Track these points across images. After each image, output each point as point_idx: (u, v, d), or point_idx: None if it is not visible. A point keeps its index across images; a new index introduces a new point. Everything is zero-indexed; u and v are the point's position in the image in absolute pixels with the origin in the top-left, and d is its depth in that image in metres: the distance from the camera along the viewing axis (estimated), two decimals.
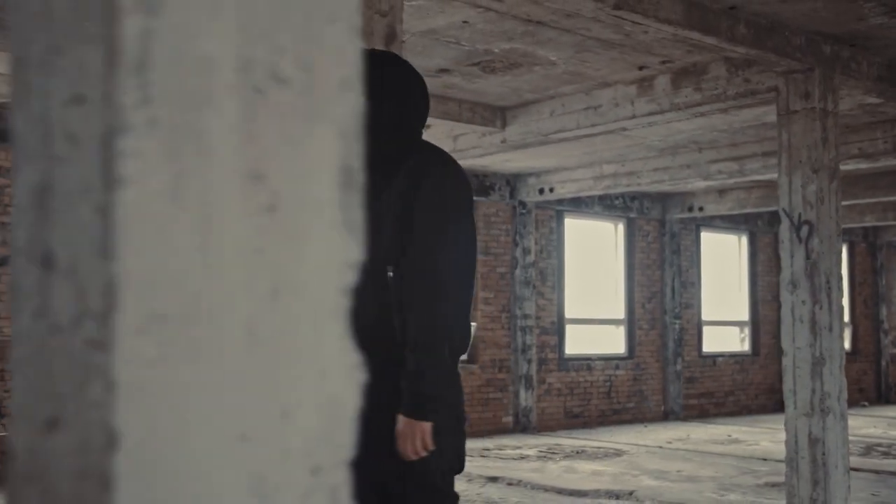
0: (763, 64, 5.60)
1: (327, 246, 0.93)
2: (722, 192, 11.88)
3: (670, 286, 12.69)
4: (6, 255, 7.38)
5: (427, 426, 2.35)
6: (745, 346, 14.08)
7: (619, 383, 12.09)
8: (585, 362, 11.73)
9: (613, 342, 12.33)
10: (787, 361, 5.49)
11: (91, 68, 0.85)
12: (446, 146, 7.74)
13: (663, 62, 6.10)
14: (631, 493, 6.65)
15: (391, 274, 2.42)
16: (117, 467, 0.80)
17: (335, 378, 0.93)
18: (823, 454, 5.32)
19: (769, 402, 14.01)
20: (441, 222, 2.42)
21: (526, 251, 10.96)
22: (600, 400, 11.83)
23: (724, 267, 13.88)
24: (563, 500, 6.54)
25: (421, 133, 2.65)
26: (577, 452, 8.92)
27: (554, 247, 11.50)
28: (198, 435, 0.84)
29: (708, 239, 13.53)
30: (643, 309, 12.51)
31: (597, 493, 6.70)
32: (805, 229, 5.47)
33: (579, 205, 11.63)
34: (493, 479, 7.19)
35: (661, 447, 9.42)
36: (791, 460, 5.45)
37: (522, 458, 8.47)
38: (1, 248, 7.35)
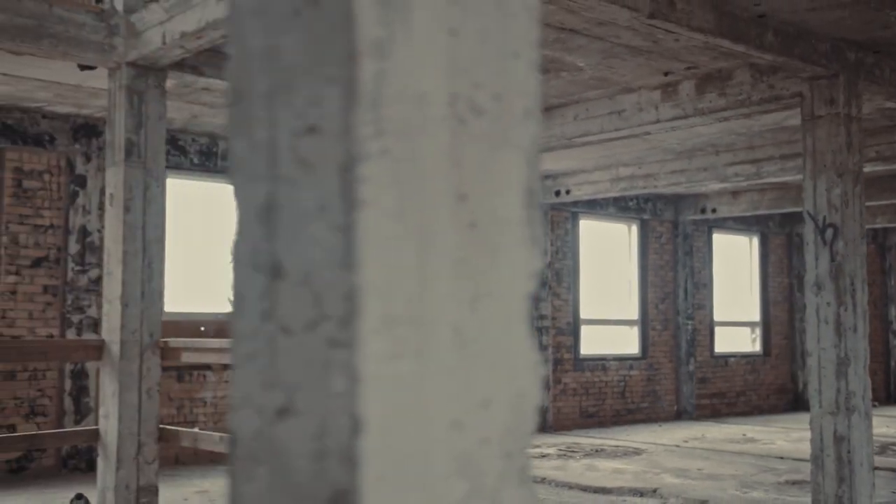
0: (788, 70, 5.72)
1: (515, 258, 1.06)
2: (735, 193, 11.99)
3: (683, 287, 12.81)
4: (38, 258, 7.50)
5: None
6: (757, 347, 14.19)
7: (633, 383, 12.20)
8: (600, 362, 11.84)
9: (627, 342, 12.44)
10: (812, 361, 5.61)
11: (327, 104, 0.96)
12: None
13: (688, 68, 6.21)
14: (655, 491, 6.77)
15: None
16: (362, 449, 0.92)
17: (522, 375, 1.06)
18: (849, 452, 5.43)
19: (780, 402, 14.12)
20: None
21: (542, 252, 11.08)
22: (615, 400, 11.94)
23: (735, 268, 13.99)
24: (588, 497, 6.66)
25: None
26: (597, 451, 9.04)
27: (569, 248, 11.62)
28: (422, 421, 0.96)
29: (719, 240, 13.65)
30: (656, 310, 12.63)
31: (621, 491, 6.82)
32: (829, 232, 5.59)
33: (594, 206, 11.75)
34: None
35: (678, 446, 9.53)
36: (816, 458, 5.57)
37: (543, 456, 8.59)
38: (32, 250, 7.47)
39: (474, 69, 1.05)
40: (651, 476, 7.50)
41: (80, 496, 5.16)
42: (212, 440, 5.09)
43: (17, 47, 4.99)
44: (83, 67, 5.56)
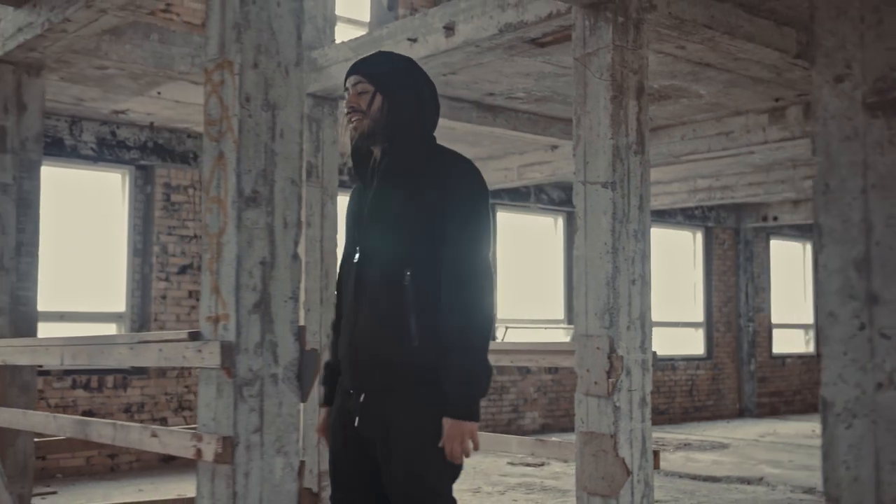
0: None
1: None
2: (796, 202, 12.59)
3: (744, 291, 13.44)
4: (184, 265, 8.17)
5: (475, 426, 2.43)
6: (811, 348, 14.80)
7: (700, 382, 12.83)
8: (670, 362, 12.47)
9: (694, 344, 13.08)
10: None
11: None
12: None
13: (799, 95, 6.84)
14: (761, 479, 7.39)
15: (408, 276, 2.48)
16: None
17: None
18: None
19: None
20: (475, 230, 2.50)
21: None
22: (683, 398, 12.58)
23: (791, 272, 14.61)
24: (701, 484, 7.28)
25: (432, 134, 2.69)
26: (685, 445, 9.67)
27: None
28: None
29: (776, 246, 14.27)
30: (720, 312, 13.26)
31: (729, 479, 7.45)
32: None
33: (663, 215, 12.36)
34: None
35: (757, 440, 10.16)
36: None
37: None
38: (179, 258, 8.14)
39: None
40: (750, 466, 8.13)
41: None
42: None
43: None
44: None
